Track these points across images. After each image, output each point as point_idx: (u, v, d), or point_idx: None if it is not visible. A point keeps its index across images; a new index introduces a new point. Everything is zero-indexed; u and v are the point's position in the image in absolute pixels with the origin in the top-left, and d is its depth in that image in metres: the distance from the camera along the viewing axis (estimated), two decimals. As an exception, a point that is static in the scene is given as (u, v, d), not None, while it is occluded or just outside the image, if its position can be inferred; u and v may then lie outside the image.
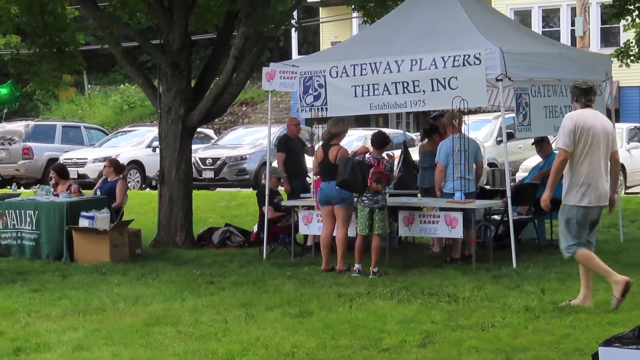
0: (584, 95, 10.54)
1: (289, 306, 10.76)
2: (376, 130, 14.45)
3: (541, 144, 15.69)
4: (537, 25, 39.48)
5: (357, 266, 13.09)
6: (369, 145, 13.72)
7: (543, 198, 10.52)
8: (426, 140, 15.53)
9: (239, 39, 15.98)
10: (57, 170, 17.12)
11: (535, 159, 18.26)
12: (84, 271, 13.80)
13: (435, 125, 15.37)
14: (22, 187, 27.16)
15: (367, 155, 13.11)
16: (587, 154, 10.29)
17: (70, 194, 15.82)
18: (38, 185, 17.24)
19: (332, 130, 13.71)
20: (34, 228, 15.31)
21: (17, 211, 15.46)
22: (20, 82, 42.78)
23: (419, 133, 17.19)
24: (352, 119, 35.17)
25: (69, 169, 18.78)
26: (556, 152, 10.69)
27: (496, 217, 14.72)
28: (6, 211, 15.44)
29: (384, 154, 13.23)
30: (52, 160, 30.04)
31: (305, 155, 16.47)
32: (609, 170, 10.53)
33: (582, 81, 10.84)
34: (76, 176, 28.32)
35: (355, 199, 13.28)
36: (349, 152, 13.58)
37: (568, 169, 10.37)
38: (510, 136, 15.83)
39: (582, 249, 10.35)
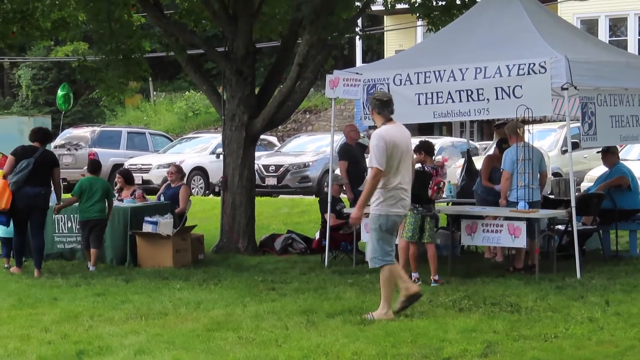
0: (386, 107, 10.87)
1: (350, 314, 10.74)
2: (422, 139, 14.39)
3: (607, 154, 15.54)
4: (603, 34, 39.08)
5: (414, 275, 13.03)
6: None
7: (353, 216, 10.88)
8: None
9: (303, 47, 16.01)
10: (123, 174, 17.29)
11: (600, 169, 18.07)
12: (146, 276, 13.91)
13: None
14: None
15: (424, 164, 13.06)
16: (398, 168, 10.67)
17: (135, 199, 15.96)
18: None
19: None
20: (98, 233, 15.46)
21: (82, 215, 15.62)
22: (88, 88, 43.34)
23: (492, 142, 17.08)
24: (415, 127, 35.11)
25: (133, 174, 18.90)
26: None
27: (560, 227, 14.58)
28: (71, 216, 15.62)
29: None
30: (117, 166, 30.34)
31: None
32: (411, 180, 11.11)
33: (382, 93, 11.31)
34: (141, 182, 28.60)
35: None
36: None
37: (380, 182, 10.65)
38: (576, 146, 15.69)
39: (390, 266, 10.72)
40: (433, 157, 13.43)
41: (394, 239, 10.93)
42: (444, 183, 13.23)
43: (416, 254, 13.09)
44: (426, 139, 14.28)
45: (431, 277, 12.86)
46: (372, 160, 10.59)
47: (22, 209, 14.31)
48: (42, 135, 14.77)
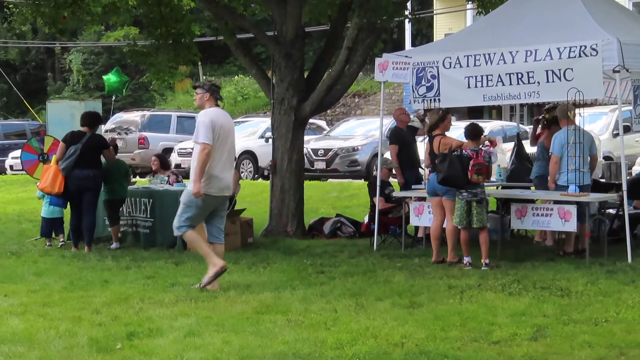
0: (218, 92, 11.70)
1: (399, 297, 10.73)
2: (469, 123, 14.31)
3: (659, 138, 15.39)
4: (656, 16, 38.60)
5: (466, 259, 12.98)
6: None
7: (193, 191, 11.29)
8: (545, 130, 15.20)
9: (352, 30, 15.97)
10: (160, 157, 17.51)
11: (652, 153, 17.91)
12: (196, 259, 13.95)
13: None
14: (137, 176, 27.73)
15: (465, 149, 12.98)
16: (218, 148, 11.36)
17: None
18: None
19: (429, 121, 13.71)
20: (148, 216, 15.56)
21: (132, 199, 15.73)
22: (138, 72, 43.59)
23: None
24: (465, 110, 34.95)
25: (183, 158, 19.01)
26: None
27: (611, 211, 14.46)
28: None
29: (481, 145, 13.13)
30: (167, 150, 30.52)
31: (419, 145, 16.42)
32: (233, 163, 11.77)
33: (214, 80, 11.68)
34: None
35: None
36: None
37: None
38: (627, 129, 15.52)
39: (191, 230, 11.47)
40: (482, 138, 13.30)
41: (202, 218, 11.48)
42: (485, 165, 13.03)
43: (467, 238, 13.03)
44: (477, 124, 14.19)
45: (482, 261, 12.81)
46: (198, 136, 11.29)
47: (73, 191, 14.99)
48: (89, 120, 15.35)
